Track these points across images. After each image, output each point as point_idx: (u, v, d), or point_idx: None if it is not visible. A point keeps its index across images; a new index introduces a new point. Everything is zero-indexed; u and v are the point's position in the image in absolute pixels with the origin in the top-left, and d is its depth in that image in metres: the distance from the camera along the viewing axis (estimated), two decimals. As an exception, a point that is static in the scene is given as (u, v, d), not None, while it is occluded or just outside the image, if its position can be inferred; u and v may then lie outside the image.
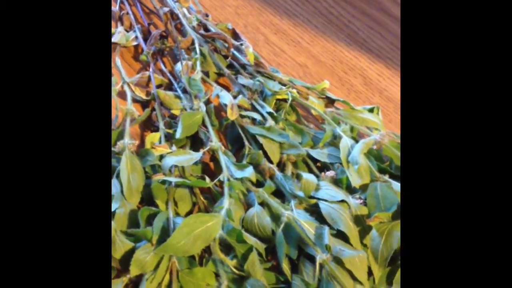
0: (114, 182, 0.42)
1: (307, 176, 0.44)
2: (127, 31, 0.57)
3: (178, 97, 0.50)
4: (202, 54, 0.54)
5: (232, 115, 0.47)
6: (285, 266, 0.39)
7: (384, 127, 0.49)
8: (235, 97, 0.50)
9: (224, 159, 0.44)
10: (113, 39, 0.55)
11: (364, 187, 0.43)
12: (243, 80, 0.52)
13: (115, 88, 0.48)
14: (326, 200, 0.42)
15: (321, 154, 0.46)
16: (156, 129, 0.49)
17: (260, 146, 0.46)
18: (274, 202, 0.41)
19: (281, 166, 0.46)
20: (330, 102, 0.53)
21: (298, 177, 0.44)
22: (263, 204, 0.42)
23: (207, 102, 0.50)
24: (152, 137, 0.45)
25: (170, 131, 0.47)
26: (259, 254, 0.39)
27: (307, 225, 0.39)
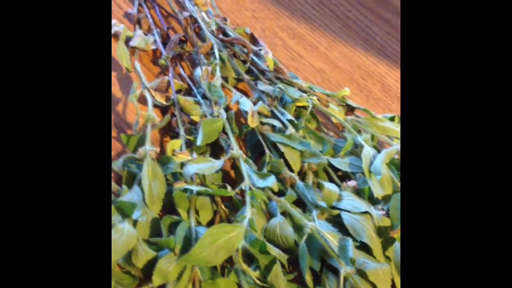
0: (136, 189, 0.42)
1: (328, 186, 0.43)
2: (146, 35, 0.57)
3: (197, 103, 0.50)
4: (221, 59, 0.54)
5: (253, 122, 0.47)
6: (308, 278, 0.39)
7: (404, 136, 0.49)
8: (255, 103, 0.50)
9: (246, 168, 0.43)
10: (132, 43, 0.55)
11: (386, 198, 0.43)
12: (263, 86, 0.52)
13: (136, 93, 0.47)
14: (348, 211, 0.41)
15: (343, 163, 0.46)
16: (175, 135, 0.49)
17: (281, 154, 0.46)
18: (296, 212, 0.41)
19: (302, 175, 0.46)
20: (350, 109, 0.53)
21: (319, 186, 0.44)
22: (285, 214, 0.42)
23: (227, 109, 0.49)
24: (173, 144, 0.45)
25: (191, 137, 0.46)
26: (282, 265, 0.39)
27: (330, 237, 0.39)
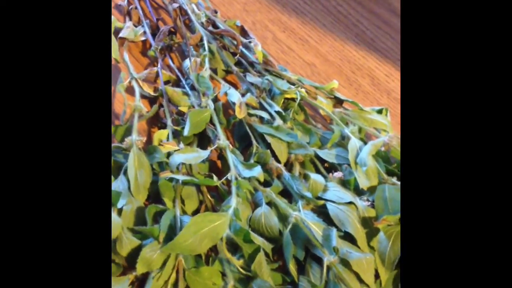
0: (122, 178, 0.42)
1: (315, 177, 0.43)
2: (136, 26, 0.57)
3: (186, 94, 0.50)
4: (210, 51, 0.54)
5: (240, 113, 0.47)
6: (292, 267, 0.39)
7: (392, 128, 0.49)
8: (243, 95, 0.50)
9: (232, 158, 0.43)
10: (122, 34, 0.54)
11: (372, 189, 0.43)
12: (252, 78, 0.52)
13: (124, 83, 0.47)
14: (334, 202, 0.41)
15: (329, 154, 0.46)
16: (163, 126, 0.49)
17: (268, 145, 0.46)
18: (282, 202, 0.41)
19: (289, 166, 0.46)
20: (338, 102, 0.53)
21: (306, 177, 0.44)
22: (270, 204, 0.42)
23: (215, 100, 0.49)
24: (160, 134, 0.45)
25: (178, 128, 0.46)
26: (266, 254, 0.39)
27: (314, 227, 0.39)
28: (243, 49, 0.55)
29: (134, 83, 0.49)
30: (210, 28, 0.56)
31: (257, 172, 0.42)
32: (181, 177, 0.42)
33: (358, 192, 0.43)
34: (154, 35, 0.56)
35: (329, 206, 0.41)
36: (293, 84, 0.52)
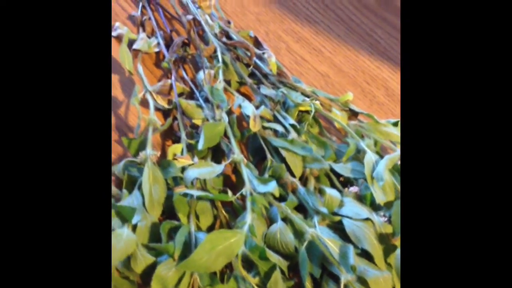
0: (136, 193, 0.42)
1: (330, 192, 0.43)
2: (149, 37, 0.57)
3: (199, 106, 0.50)
4: (224, 62, 0.53)
5: (255, 127, 0.46)
6: (308, 285, 0.38)
7: (408, 141, 0.49)
8: (257, 107, 0.49)
9: (247, 173, 0.43)
10: (135, 46, 0.54)
11: (388, 205, 0.42)
12: (266, 90, 0.51)
13: (138, 96, 0.47)
14: (350, 217, 0.41)
15: (345, 168, 0.45)
16: (177, 139, 0.49)
17: (283, 159, 0.45)
18: (297, 218, 0.41)
19: (304, 180, 0.45)
20: (353, 114, 0.52)
21: (321, 192, 0.44)
22: (285, 219, 0.41)
23: (229, 112, 0.49)
24: (174, 149, 0.44)
25: (192, 141, 0.46)
26: (282, 272, 0.38)
27: (331, 243, 0.39)
28: (257, 61, 0.55)
29: (148, 96, 0.49)
30: (224, 39, 0.56)
31: (272, 187, 0.42)
32: (195, 192, 0.41)
33: (375, 207, 0.43)
34: (167, 46, 0.56)
35: (346, 222, 0.41)
36: (308, 96, 0.51)
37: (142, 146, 0.45)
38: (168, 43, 0.56)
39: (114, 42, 0.57)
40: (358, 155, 0.46)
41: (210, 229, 0.41)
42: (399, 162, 0.44)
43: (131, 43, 0.55)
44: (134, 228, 0.39)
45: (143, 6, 0.60)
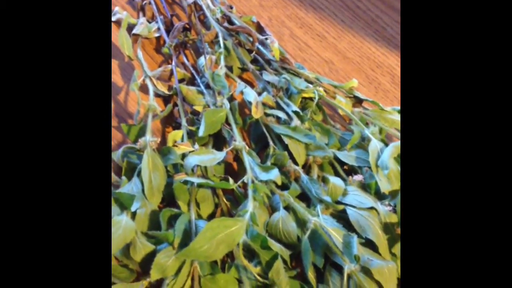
0: (135, 181, 0.41)
1: (334, 180, 0.42)
2: (149, 22, 0.55)
3: (200, 92, 0.49)
4: (226, 48, 0.52)
5: (257, 113, 0.45)
6: (311, 275, 0.37)
7: (414, 129, 0.47)
8: (259, 94, 0.48)
9: (249, 160, 0.42)
10: (135, 31, 0.53)
11: (393, 193, 0.41)
12: (268, 76, 0.50)
13: (137, 82, 0.46)
14: (354, 206, 0.40)
15: (349, 157, 0.44)
16: (177, 125, 0.48)
17: (285, 147, 0.44)
18: (300, 207, 0.40)
19: (307, 168, 0.44)
20: (358, 101, 0.51)
21: (325, 180, 0.43)
22: (288, 208, 0.40)
23: (231, 99, 0.48)
24: (174, 135, 0.43)
25: (193, 128, 0.45)
26: (284, 261, 0.37)
27: (334, 233, 0.38)
28: (260, 46, 0.54)
29: (148, 81, 0.48)
30: (226, 24, 0.55)
31: (275, 175, 0.41)
32: (196, 180, 0.40)
33: (379, 196, 0.42)
34: (168, 31, 0.54)
35: (349, 211, 0.40)
36: (311, 82, 0.50)
37: (141, 132, 0.44)
38: (169, 28, 0.55)
39: (113, 27, 0.56)
40: (363, 143, 0.45)
41: (211, 217, 0.41)
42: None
43: (130, 28, 0.54)
44: (133, 215, 0.39)
45: (144, -10, 0.59)
